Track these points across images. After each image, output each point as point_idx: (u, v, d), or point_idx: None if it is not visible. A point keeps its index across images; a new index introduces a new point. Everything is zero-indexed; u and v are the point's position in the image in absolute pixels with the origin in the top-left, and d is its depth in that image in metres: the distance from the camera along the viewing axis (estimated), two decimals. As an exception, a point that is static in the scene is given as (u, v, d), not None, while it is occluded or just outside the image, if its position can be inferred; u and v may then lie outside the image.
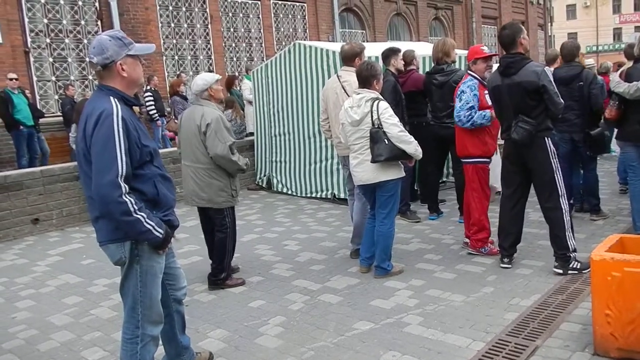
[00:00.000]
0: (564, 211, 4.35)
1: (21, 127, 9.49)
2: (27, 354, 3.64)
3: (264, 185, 8.91)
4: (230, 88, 11.65)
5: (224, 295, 4.45)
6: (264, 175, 8.91)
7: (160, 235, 2.55)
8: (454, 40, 20.32)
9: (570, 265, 4.30)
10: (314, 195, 7.94)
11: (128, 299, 2.66)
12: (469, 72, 5.04)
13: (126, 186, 2.43)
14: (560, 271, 4.33)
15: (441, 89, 5.93)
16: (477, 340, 3.36)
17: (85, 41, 11.48)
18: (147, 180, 2.58)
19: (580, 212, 6.13)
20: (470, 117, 4.77)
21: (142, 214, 2.48)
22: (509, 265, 4.58)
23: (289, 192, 8.38)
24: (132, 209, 2.43)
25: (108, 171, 2.40)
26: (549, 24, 29.12)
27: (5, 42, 10.32)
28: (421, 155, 4.37)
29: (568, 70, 5.69)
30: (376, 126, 4.23)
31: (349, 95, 4.65)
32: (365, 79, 4.35)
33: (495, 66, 4.88)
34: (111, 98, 2.50)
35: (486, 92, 4.81)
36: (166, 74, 12.68)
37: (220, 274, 4.59)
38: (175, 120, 8.85)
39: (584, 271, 4.21)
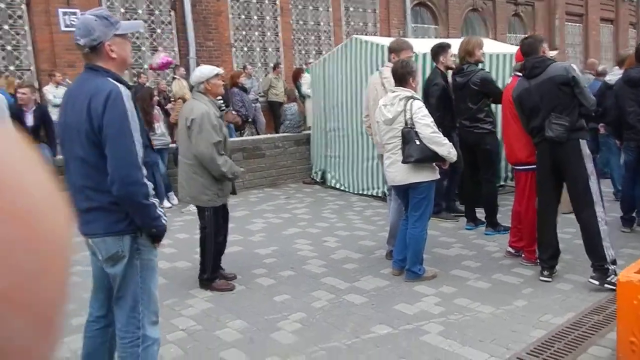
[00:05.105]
0: (599, 219, 4.09)
1: None
2: None
3: (318, 180, 8.91)
4: (296, 81, 11.75)
5: (253, 287, 4.49)
6: (319, 170, 8.91)
7: (166, 224, 2.52)
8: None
9: (609, 279, 4.02)
10: (365, 192, 7.86)
11: (127, 299, 2.53)
12: (517, 73, 4.79)
13: (144, 169, 2.41)
14: (597, 283, 4.06)
15: (461, 90, 5.56)
16: (494, 357, 3.21)
17: (159, 30, 11.90)
18: (148, 168, 2.55)
19: (643, 225, 5.71)
20: None
21: (156, 199, 2.47)
22: (549, 279, 4.33)
23: (342, 187, 8.34)
24: (151, 192, 2.41)
25: (129, 153, 2.34)
26: (643, 23, 27.21)
27: (85, 30, 10.89)
28: (455, 158, 4.21)
29: None
30: (408, 126, 4.12)
31: (387, 93, 4.55)
32: (402, 77, 4.23)
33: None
34: (109, 79, 2.39)
35: None
36: (235, 65, 12.91)
37: (203, 273, 4.41)
38: (233, 112, 9.01)
39: None
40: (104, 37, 2.40)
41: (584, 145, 4.09)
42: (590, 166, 4.09)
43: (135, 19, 11.67)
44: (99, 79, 2.40)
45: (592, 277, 4.10)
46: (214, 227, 4.37)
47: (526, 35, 4.48)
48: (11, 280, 0.30)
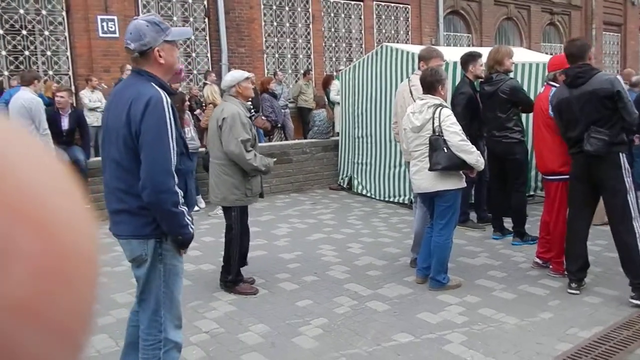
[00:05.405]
0: (637, 235, 3.97)
1: None
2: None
3: (345, 186, 8.90)
4: (326, 87, 11.81)
5: (276, 291, 4.51)
6: (346, 176, 8.91)
7: (193, 232, 2.55)
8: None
9: None
10: (391, 199, 7.82)
11: (150, 302, 2.56)
12: (550, 83, 4.72)
13: (177, 177, 2.44)
14: (638, 302, 3.95)
15: (489, 99, 5.48)
16: (517, 368, 3.15)
17: (193, 37, 12.09)
18: (181, 175, 2.53)
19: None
20: None
21: (185, 207, 2.49)
22: (577, 292, 4.23)
23: (368, 194, 8.32)
24: (180, 200, 2.44)
25: (164, 160, 2.37)
26: (684, 32, 26.44)
27: (121, 37, 11.14)
28: (482, 167, 4.17)
29: None
30: (437, 133, 4.09)
31: (415, 100, 4.53)
32: (430, 85, 4.21)
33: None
34: (153, 85, 2.44)
35: None
36: (266, 71, 13.02)
37: (228, 275, 4.44)
38: (263, 117, 9.10)
39: None
40: (154, 43, 2.45)
41: (623, 159, 3.98)
42: (629, 180, 3.98)
43: (170, 25, 11.87)
44: (142, 84, 2.45)
45: (632, 297, 3.98)
46: (240, 228, 4.42)
47: (573, 38, 4.34)
48: (31, 289, 0.28)
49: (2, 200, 0.28)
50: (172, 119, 2.42)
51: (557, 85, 4.67)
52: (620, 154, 3.97)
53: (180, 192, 2.47)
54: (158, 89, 2.44)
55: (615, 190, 3.99)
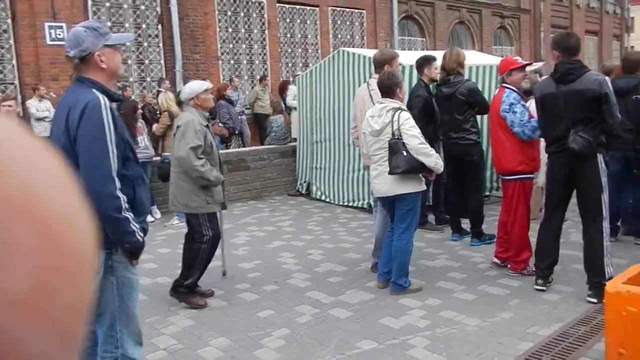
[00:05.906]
0: (604, 235, 4.04)
1: None
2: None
3: (303, 192, 8.83)
4: (282, 93, 11.73)
5: (236, 302, 4.40)
6: (304, 182, 8.84)
7: (141, 240, 2.46)
8: (520, 50, 19.34)
9: None
10: (350, 204, 7.80)
11: (105, 317, 2.48)
12: (504, 85, 4.78)
13: (119, 182, 2.36)
14: (595, 300, 3.99)
15: (446, 101, 5.52)
16: (480, 370, 3.14)
17: (145, 44, 11.84)
18: (128, 181, 2.45)
19: (627, 235, 5.68)
20: (534, 128, 4.49)
21: (130, 214, 2.40)
22: (544, 288, 4.28)
23: (327, 199, 8.27)
24: (124, 206, 2.36)
25: (101, 165, 2.31)
26: (627, 35, 27.56)
27: (70, 44, 10.80)
28: (442, 169, 4.18)
29: (628, 82, 5.29)
30: (396, 137, 4.08)
31: (374, 104, 4.51)
32: (388, 88, 4.20)
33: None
34: (94, 91, 2.39)
35: (526, 102, 4.66)
36: (221, 77, 12.85)
37: (184, 280, 4.26)
38: (219, 124, 8.95)
39: None
40: (93, 48, 2.41)
41: (601, 159, 4.02)
42: (604, 180, 4.04)
43: (123, 32, 11.60)
44: (82, 91, 2.41)
45: (589, 295, 4.02)
46: (212, 232, 4.29)
47: (566, 32, 4.40)
48: (31, 285, 0.29)
49: (1, 195, 0.28)
50: (111, 123, 2.37)
51: (510, 87, 4.73)
52: (599, 155, 4.00)
53: (124, 198, 2.38)
54: (98, 94, 2.40)
55: (592, 191, 4.03)
